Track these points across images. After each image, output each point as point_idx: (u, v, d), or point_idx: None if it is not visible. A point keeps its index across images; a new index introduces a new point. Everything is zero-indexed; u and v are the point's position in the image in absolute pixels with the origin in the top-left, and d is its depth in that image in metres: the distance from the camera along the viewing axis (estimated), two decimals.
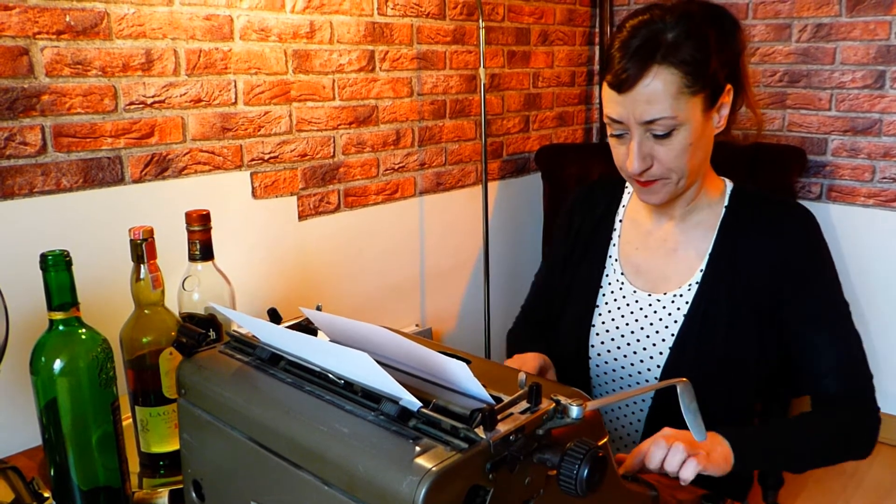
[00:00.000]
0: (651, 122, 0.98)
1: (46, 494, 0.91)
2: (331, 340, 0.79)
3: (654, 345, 1.12)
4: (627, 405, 1.16)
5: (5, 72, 1.32)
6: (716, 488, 0.96)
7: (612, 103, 1.01)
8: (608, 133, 1.06)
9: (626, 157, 1.03)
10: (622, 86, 0.98)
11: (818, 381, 1.05)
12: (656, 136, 1.00)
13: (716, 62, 0.99)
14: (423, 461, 0.55)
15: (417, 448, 0.57)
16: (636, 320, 1.14)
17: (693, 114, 0.99)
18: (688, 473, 0.85)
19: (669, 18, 0.98)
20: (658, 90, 0.97)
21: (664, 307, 1.12)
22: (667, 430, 0.90)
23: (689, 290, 1.11)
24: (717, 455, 0.90)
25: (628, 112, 0.99)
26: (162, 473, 1.00)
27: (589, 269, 1.21)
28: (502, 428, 0.59)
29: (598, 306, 1.18)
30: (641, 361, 1.13)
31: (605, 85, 1.02)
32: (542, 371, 1.05)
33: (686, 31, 0.97)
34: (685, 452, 0.85)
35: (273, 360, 0.75)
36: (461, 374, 0.64)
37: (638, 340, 1.13)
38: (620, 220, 1.22)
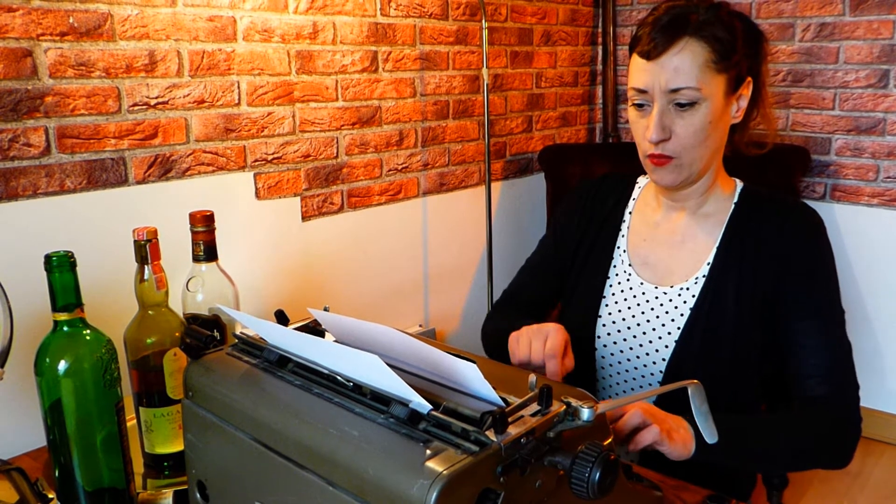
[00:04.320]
0: (676, 90, 1.02)
1: (51, 495, 0.91)
2: (336, 341, 0.78)
3: (659, 338, 1.12)
4: None
5: (9, 73, 1.32)
6: (719, 488, 0.96)
7: (638, 72, 1.05)
8: (630, 109, 1.09)
9: (646, 129, 1.05)
10: (651, 53, 1.02)
11: (803, 382, 1.05)
12: (678, 108, 1.03)
13: (741, 50, 1.04)
14: (434, 464, 0.54)
15: (428, 451, 0.56)
16: (642, 312, 1.15)
17: (716, 91, 1.03)
18: (646, 438, 0.86)
19: (702, 5, 1.04)
20: (686, 60, 1.01)
21: (671, 300, 1.13)
22: (643, 404, 0.90)
23: (696, 283, 1.11)
24: (678, 436, 0.90)
25: (654, 80, 1.03)
26: (166, 474, 1.00)
27: (597, 260, 1.22)
28: (513, 430, 0.58)
29: (605, 297, 1.19)
30: (647, 354, 1.13)
31: (633, 57, 1.06)
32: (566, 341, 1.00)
33: (717, 15, 1.03)
34: (646, 419, 0.87)
35: (281, 363, 0.75)
36: (471, 376, 0.63)
37: (644, 333, 1.14)
38: (630, 213, 1.23)
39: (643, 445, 0.86)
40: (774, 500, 1.36)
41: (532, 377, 0.65)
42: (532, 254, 1.36)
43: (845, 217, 2.49)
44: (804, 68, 2.49)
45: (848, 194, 2.48)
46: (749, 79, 1.07)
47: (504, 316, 1.27)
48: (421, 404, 0.60)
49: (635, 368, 1.15)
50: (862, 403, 1.06)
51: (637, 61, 1.05)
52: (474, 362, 0.64)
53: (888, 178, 2.40)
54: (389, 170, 2.09)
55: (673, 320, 1.12)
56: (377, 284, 2.13)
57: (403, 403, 0.61)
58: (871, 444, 2.51)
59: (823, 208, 2.52)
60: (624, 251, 1.20)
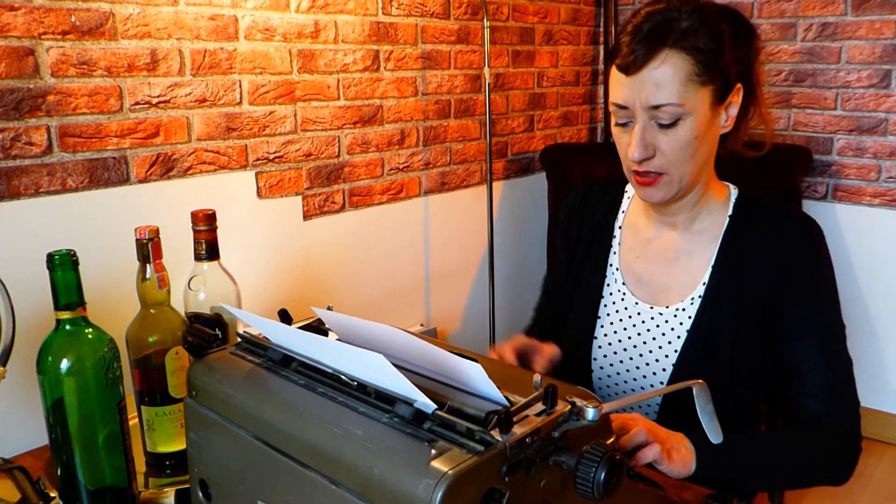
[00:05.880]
0: (657, 107, 0.96)
1: (53, 494, 0.90)
2: (339, 340, 0.78)
3: (657, 360, 1.10)
4: (635, 409, 1.15)
5: (11, 72, 1.32)
6: (720, 488, 0.95)
7: (618, 87, 0.99)
8: (612, 122, 1.04)
9: (629, 146, 1.00)
10: (630, 67, 0.96)
11: (804, 402, 1.02)
12: (661, 126, 0.97)
13: (728, 57, 0.97)
14: (439, 464, 0.54)
15: (433, 451, 0.56)
16: (638, 334, 1.12)
17: (700, 105, 0.97)
18: (648, 455, 0.85)
19: (685, 9, 0.97)
20: (667, 74, 0.95)
21: (667, 321, 1.10)
22: (637, 416, 0.90)
23: (692, 303, 1.08)
24: (678, 456, 0.88)
25: (635, 96, 0.97)
26: (168, 473, 1.00)
27: (590, 278, 1.18)
28: (518, 430, 0.58)
29: (599, 317, 1.16)
30: (644, 377, 1.11)
31: (612, 69, 1.00)
32: (523, 351, 1.04)
33: (701, 20, 0.96)
34: (649, 438, 0.86)
35: (285, 362, 0.74)
36: (476, 376, 0.63)
37: (641, 355, 1.11)
38: (620, 227, 1.18)
39: (644, 463, 0.85)
40: (776, 501, 1.36)
41: (536, 377, 0.65)
42: (547, 271, 1.35)
43: (847, 217, 2.49)
44: (806, 68, 2.49)
45: (850, 194, 2.48)
46: (738, 85, 1.00)
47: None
48: (426, 404, 0.60)
49: (633, 391, 1.12)
50: (863, 403, 1.05)
51: (616, 75, 0.98)
52: (477, 362, 0.63)
53: (890, 178, 2.40)
54: (391, 169, 2.09)
55: (670, 342, 1.08)
56: (378, 283, 2.13)
57: (408, 403, 0.61)
58: (871, 445, 2.51)
59: (825, 208, 2.52)
60: (617, 269, 1.16)
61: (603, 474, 0.57)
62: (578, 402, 0.62)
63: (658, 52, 0.95)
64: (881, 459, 2.45)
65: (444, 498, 0.52)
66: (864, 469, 2.39)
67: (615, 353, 1.14)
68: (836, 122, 2.47)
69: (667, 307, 1.10)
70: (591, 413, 0.61)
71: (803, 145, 2.49)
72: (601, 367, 1.15)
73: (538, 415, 0.61)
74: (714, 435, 0.73)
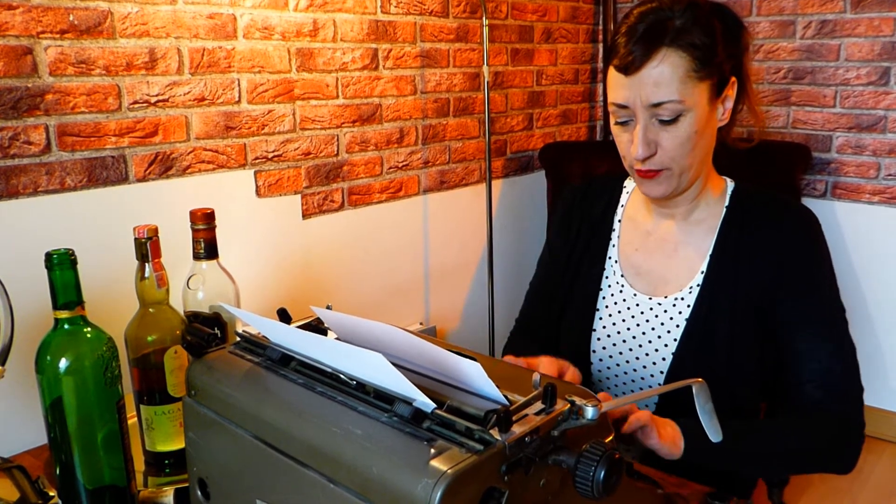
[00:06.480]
0: (657, 105, 0.98)
1: (52, 493, 0.91)
2: (338, 339, 0.78)
3: (656, 350, 1.10)
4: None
5: (9, 71, 1.32)
6: (720, 486, 0.95)
7: (618, 88, 1.00)
8: (612, 122, 1.05)
9: (630, 143, 1.02)
10: (629, 68, 0.98)
11: (802, 388, 1.02)
12: (662, 123, 0.99)
13: (722, 52, 0.99)
14: (438, 463, 0.54)
15: (432, 450, 0.56)
16: (637, 325, 1.12)
17: (699, 100, 0.99)
18: (641, 417, 0.86)
19: (677, 7, 0.99)
20: (666, 73, 0.96)
21: (665, 311, 1.11)
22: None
23: (691, 292, 1.09)
24: (666, 432, 0.89)
25: (635, 95, 0.98)
26: (167, 472, 1.00)
27: (588, 271, 1.19)
28: (517, 429, 0.58)
29: (598, 309, 1.17)
30: (644, 367, 1.11)
31: (610, 70, 1.02)
32: (561, 375, 1.01)
33: (693, 18, 0.98)
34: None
35: (284, 361, 0.74)
36: (475, 375, 0.63)
37: (640, 346, 1.12)
38: (619, 220, 1.20)
39: (634, 428, 0.86)
40: (775, 499, 1.36)
41: (536, 376, 0.65)
42: (534, 276, 1.33)
43: (846, 215, 2.49)
44: (805, 66, 2.49)
45: (849, 192, 2.48)
46: (733, 79, 1.03)
47: (522, 347, 1.25)
48: (425, 403, 0.60)
49: (633, 381, 1.13)
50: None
51: (615, 75, 1.00)
52: (476, 360, 0.63)
53: (889, 175, 2.40)
54: (390, 167, 2.09)
55: (669, 332, 1.09)
56: (378, 282, 2.13)
57: (407, 402, 0.61)
58: (871, 443, 2.51)
59: (824, 206, 2.52)
60: (615, 261, 1.17)
61: (602, 473, 0.57)
62: (578, 401, 0.62)
63: (656, 52, 0.96)
64: (881, 457, 2.45)
65: (443, 497, 0.52)
66: (863, 466, 2.40)
67: (614, 344, 1.14)
68: (836, 120, 2.47)
69: (665, 297, 1.11)
70: (590, 412, 0.61)
71: (802, 143, 2.49)
72: (600, 360, 1.16)
73: (537, 414, 0.61)
74: (714, 434, 0.73)
